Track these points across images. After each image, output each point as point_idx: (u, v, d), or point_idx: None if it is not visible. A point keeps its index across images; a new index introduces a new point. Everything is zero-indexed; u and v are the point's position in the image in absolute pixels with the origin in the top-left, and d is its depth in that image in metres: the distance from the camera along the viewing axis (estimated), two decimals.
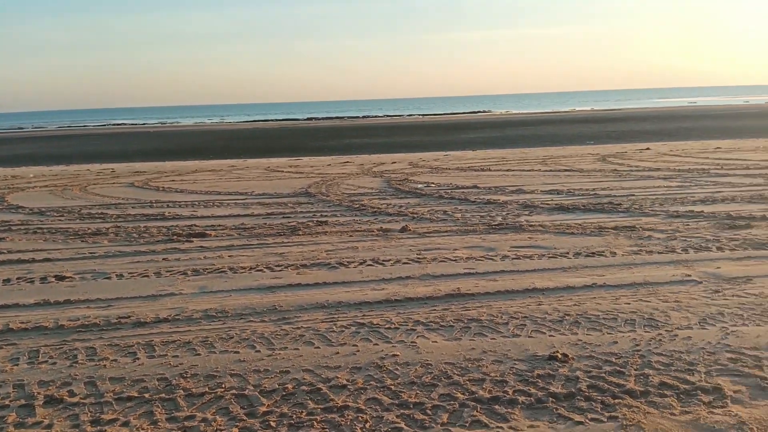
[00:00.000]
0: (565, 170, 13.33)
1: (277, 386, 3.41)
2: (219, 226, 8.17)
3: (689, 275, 5.15)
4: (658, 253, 5.92)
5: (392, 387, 3.32)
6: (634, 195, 9.49)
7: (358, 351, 3.86)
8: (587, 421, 2.89)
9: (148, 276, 5.84)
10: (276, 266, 6.00)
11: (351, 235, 7.34)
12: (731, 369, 3.35)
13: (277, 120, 67.79)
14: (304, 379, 3.48)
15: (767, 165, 12.56)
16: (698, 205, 8.39)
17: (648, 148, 17.97)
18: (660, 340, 3.79)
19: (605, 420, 2.89)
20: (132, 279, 5.75)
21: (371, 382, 3.40)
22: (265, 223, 8.30)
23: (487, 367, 3.53)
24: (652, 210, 8.14)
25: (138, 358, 3.86)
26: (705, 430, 2.76)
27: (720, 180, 10.71)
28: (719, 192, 9.38)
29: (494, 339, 3.96)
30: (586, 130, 30.85)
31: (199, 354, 3.90)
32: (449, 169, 14.68)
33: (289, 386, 3.39)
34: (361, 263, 6.01)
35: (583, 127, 34.09)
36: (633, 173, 12.24)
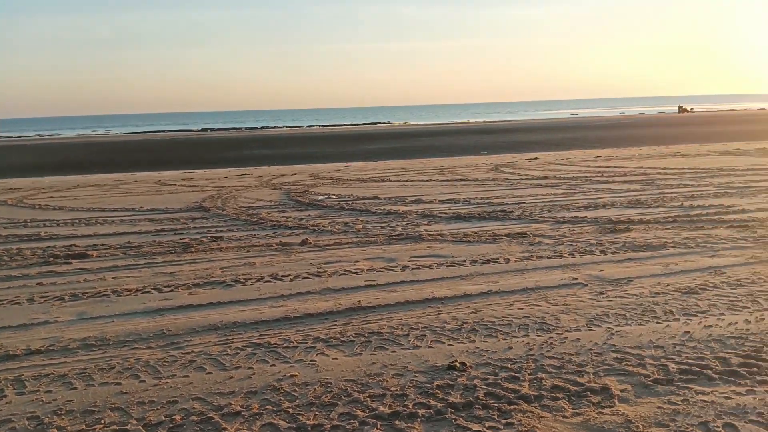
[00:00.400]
0: (462, 180, 13.74)
1: (163, 418, 3.15)
2: (102, 245, 7.58)
3: (576, 278, 5.41)
4: (548, 257, 6.19)
5: (290, 410, 3.18)
6: (524, 203, 9.93)
7: (254, 374, 3.67)
8: (485, 429, 2.90)
9: (19, 303, 5.27)
10: (165, 287, 5.64)
11: (248, 251, 7.08)
12: (617, 368, 3.52)
13: (168, 131, 64.89)
14: (194, 408, 3.25)
15: (642, 172, 13.64)
16: (582, 210, 8.92)
17: (536, 158, 18.97)
18: (551, 343, 3.93)
19: (502, 427, 2.92)
20: (1, 307, 5.17)
21: (267, 407, 3.23)
22: (154, 241, 7.82)
23: (387, 381, 3.48)
24: (541, 216, 8.54)
25: (5, 396, 3.44)
26: (595, 430, 2.86)
27: (601, 187, 11.47)
28: (601, 198, 10.04)
29: (395, 352, 3.92)
30: (480, 140, 32.15)
31: (75, 388, 3.54)
32: (350, 180, 14.68)
33: (177, 417, 3.15)
34: (258, 280, 5.79)
35: (477, 138, 35.49)
36: (523, 182, 12.84)
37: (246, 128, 66.53)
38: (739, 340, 3.86)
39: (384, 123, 73.77)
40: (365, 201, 10.86)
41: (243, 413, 3.17)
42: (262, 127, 68.13)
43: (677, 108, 69.99)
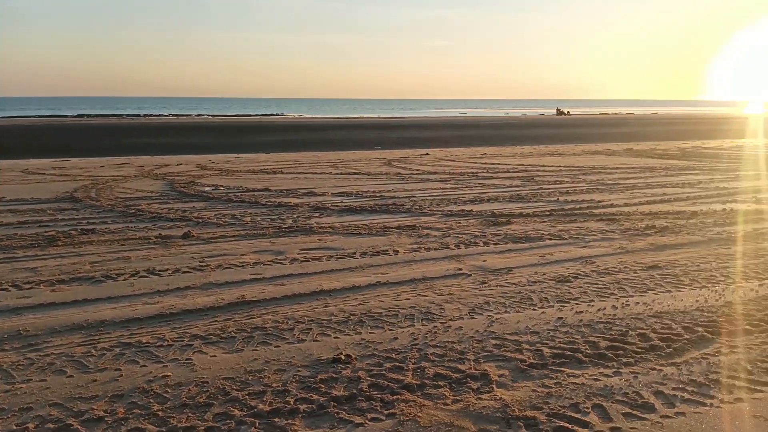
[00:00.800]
0: (355, 173, 13.73)
1: (14, 427, 2.81)
2: None
3: (461, 269, 5.55)
4: (435, 249, 6.31)
5: (159, 413, 2.95)
6: (414, 196, 10.09)
7: (122, 376, 3.38)
8: (367, 422, 2.86)
9: None
10: (25, 283, 5.09)
11: (123, 244, 6.59)
12: (496, 354, 3.62)
13: (40, 116, 59.43)
14: (51, 415, 2.93)
15: (524, 169, 14.38)
16: (468, 204, 9.21)
17: (427, 154, 19.43)
18: (435, 332, 3.97)
19: (384, 418, 2.89)
20: None
21: (135, 410, 2.98)
22: (16, 234, 7.06)
23: (269, 377, 3.34)
24: (430, 210, 8.72)
25: None
26: (474, 416, 2.90)
27: (486, 182, 11.94)
28: (485, 193, 10.43)
29: (278, 347, 3.78)
30: (374, 135, 32.44)
31: None
32: (240, 171, 14.19)
33: (30, 426, 2.82)
34: (132, 275, 5.39)
35: (371, 133, 35.80)
36: (414, 176, 13.07)
37: (127, 116, 62.48)
38: (607, 325, 4.12)
39: (277, 115, 72.41)
40: (255, 193, 10.53)
41: (106, 419, 2.89)
42: (145, 115, 64.34)
43: (555, 111, 74.86)
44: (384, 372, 3.37)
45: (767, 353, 3.60)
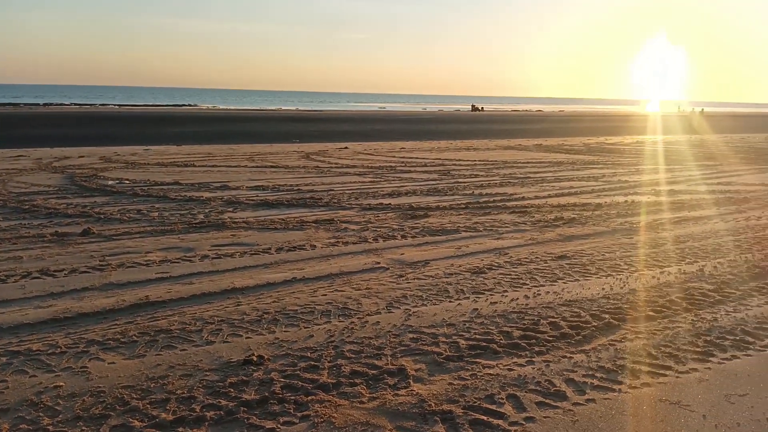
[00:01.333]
0: (272, 167, 13.40)
1: None
2: None
3: (378, 262, 5.50)
4: (353, 243, 6.22)
5: (50, 427, 2.68)
6: (333, 190, 9.96)
7: (8, 387, 3.05)
8: (279, 426, 2.73)
9: None
10: None
11: (14, 243, 6.03)
12: (413, 348, 3.58)
13: None
14: None
15: (441, 163, 14.59)
16: (386, 198, 9.20)
17: (346, 147, 19.31)
18: (352, 328, 3.89)
19: (297, 421, 2.77)
20: None
21: (21, 426, 2.69)
22: None
23: (173, 384, 3.12)
24: (348, 203, 8.62)
25: None
26: (390, 413, 2.84)
27: (404, 176, 12.00)
28: (403, 186, 10.47)
29: (185, 350, 3.56)
30: (293, 128, 31.89)
31: None
32: (148, 164, 13.46)
33: None
34: (24, 276, 4.93)
35: (289, 125, 35.18)
36: (333, 170, 12.93)
37: (25, 104, 57.97)
38: (520, 315, 4.19)
39: (190, 105, 69.70)
40: (164, 187, 10.00)
41: None
42: (45, 104, 59.96)
43: (471, 107, 76.87)
44: (298, 372, 3.24)
45: (669, 338, 3.79)
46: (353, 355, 3.45)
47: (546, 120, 49.65)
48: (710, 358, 3.49)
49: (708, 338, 3.78)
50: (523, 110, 77.69)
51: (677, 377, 3.26)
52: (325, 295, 4.57)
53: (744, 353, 3.58)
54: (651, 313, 4.24)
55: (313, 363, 3.36)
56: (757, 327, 3.98)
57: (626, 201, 9.11)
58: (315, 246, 6.08)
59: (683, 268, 5.42)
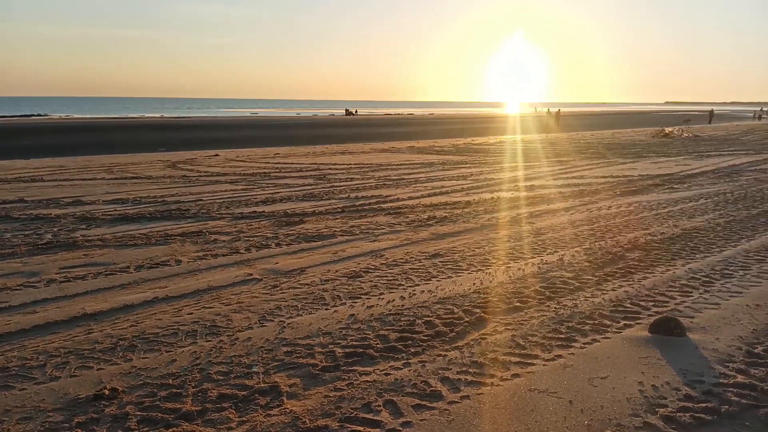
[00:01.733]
0: (133, 178, 12.48)
1: None
2: None
3: (251, 274, 5.24)
4: (223, 255, 5.89)
5: None
6: (202, 200, 9.45)
7: None
8: None
9: None
10: None
11: None
12: (287, 363, 3.40)
13: None
14: None
15: (316, 167, 14.43)
16: (260, 205, 8.88)
17: (217, 155, 18.54)
18: (221, 347, 3.63)
19: None
20: None
21: None
22: None
23: (9, 430, 2.69)
24: (219, 213, 8.21)
25: None
26: None
27: (278, 182, 11.70)
28: (278, 192, 10.19)
29: (24, 389, 3.11)
30: (158, 137, 30.10)
31: None
32: None
33: None
34: None
35: (154, 133, 33.17)
36: (202, 178, 12.31)
37: None
38: (396, 316, 4.16)
39: (40, 116, 63.51)
40: (6, 205, 8.92)
41: None
42: None
43: (345, 111, 77.55)
44: (158, 402, 2.94)
45: (536, 327, 3.94)
46: (221, 377, 3.21)
47: (417, 123, 51.29)
48: (573, 344, 3.67)
49: (570, 324, 3.98)
50: (395, 114, 79.70)
51: (544, 365, 3.38)
52: (191, 313, 4.24)
53: (603, 336, 3.81)
54: (518, 304, 4.40)
55: (175, 390, 3.07)
56: (613, 310, 4.27)
57: (493, 198, 9.54)
58: (180, 261, 5.68)
59: (545, 258, 5.73)
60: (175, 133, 34.37)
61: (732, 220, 7.60)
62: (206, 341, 3.73)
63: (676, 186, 10.88)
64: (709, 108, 78.84)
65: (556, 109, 45.97)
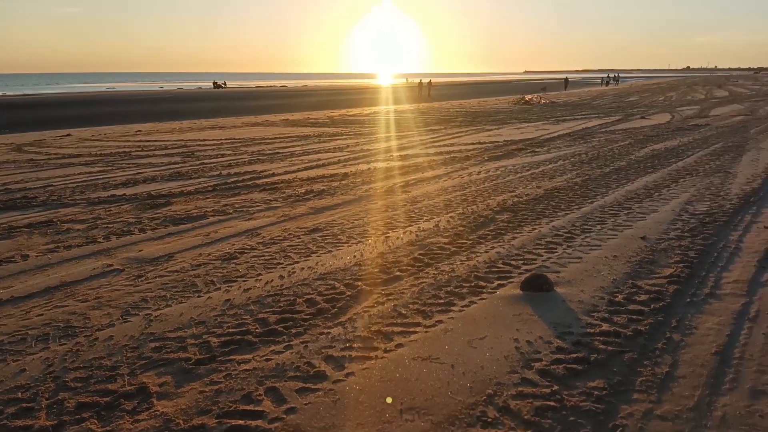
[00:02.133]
0: None
1: None
2: None
3: (111, 264, 4.78)
4: (78, 246, 5.33)
5: None
6: (52, 185, 8.52)
7: None
8: None
9: None
10: None
11: None
12: (156, 360, 3.13)
13: None
14: None
15: (183, 144, 13.58)
16: (120, 188, 8.18)
17: (69, 135, 16.85)
18: (78, 350, 3.25)
19: None
20: None
21: None
22: None
23: None
24: (72, 199, 7.43)
25: None
26: None
27: (141, 162, 10.86)
28: (141, 173, 9.45)
29: None
30: None
31: None
32: None
33: None
34: None
35: None
36: (52, 161, 11.11)
37: None
38: (276, 297, 3.99)
39: None
40: None
41: None
42: None
43: (212, 84, 73.95)
44: (5, 421, 2.57)
45: (416, 295, 3.96)
46: (80, 384, 2.87)
47: (290, 95, 50.21)
48: (452, 308, 3.74)
49: (448, 289, 4.05)
50: (267, 86, 77.43)
51: (426, 332, 3.41)
52: (42, 315, 3.78)
53: (479, 297, 3.92)
54: (398, 273, 4.41)
55: (25, 405, 2.70)
56: (487, 272, 4.41)
57: (369, 168, 9.54)
58: (27, 256, 5.06)
59: (422, 225, 5.81)
60: (20, 112, 30.78)
61: (588, 178, 8.21)
62: (60, 345, 3.33)
63: (537, 150, 11.57)
64: (563, 76, 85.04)
65: (428, 80, 47.12)
